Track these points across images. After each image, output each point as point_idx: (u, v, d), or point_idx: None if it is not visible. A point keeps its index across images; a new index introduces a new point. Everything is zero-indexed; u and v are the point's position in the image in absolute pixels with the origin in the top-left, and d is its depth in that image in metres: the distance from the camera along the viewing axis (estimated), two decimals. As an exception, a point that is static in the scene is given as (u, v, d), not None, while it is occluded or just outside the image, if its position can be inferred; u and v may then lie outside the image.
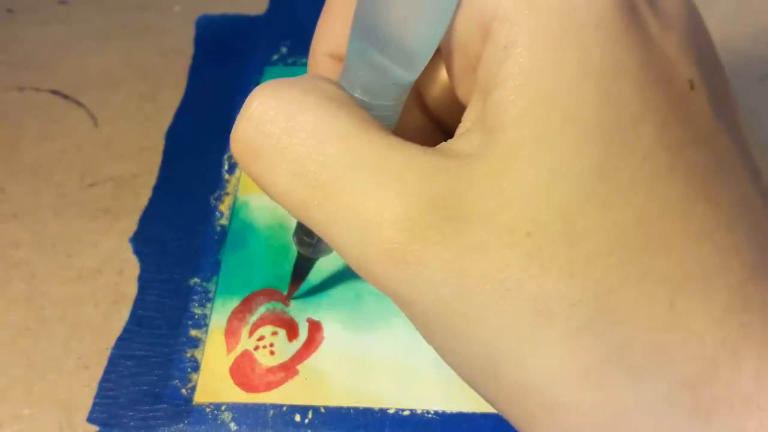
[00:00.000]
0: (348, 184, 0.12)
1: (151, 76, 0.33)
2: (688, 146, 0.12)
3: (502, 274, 0.12)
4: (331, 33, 0.17)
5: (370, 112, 0.14)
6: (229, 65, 0.33)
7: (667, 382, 0.11)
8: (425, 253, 0.12)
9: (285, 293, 0.25)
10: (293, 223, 0.27)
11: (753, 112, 0.31)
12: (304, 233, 0.21)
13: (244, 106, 0.14)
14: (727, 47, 0.33)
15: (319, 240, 0.21)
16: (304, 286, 0.26)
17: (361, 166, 0.13)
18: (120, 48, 0.34)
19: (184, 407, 0.23)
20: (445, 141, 0.13)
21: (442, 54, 0.15)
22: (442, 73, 0.17)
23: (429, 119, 0.18)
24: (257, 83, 0.32)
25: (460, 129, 0.14)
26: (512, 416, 0.13)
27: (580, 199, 0.12)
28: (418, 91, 0.18)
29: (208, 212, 0.28)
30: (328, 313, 0.25)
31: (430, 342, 0.13)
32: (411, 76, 0.14)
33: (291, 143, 0.13)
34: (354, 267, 0.13)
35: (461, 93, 0.15)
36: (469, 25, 0.13)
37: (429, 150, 0.13)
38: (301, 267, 0.24)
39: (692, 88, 0.13)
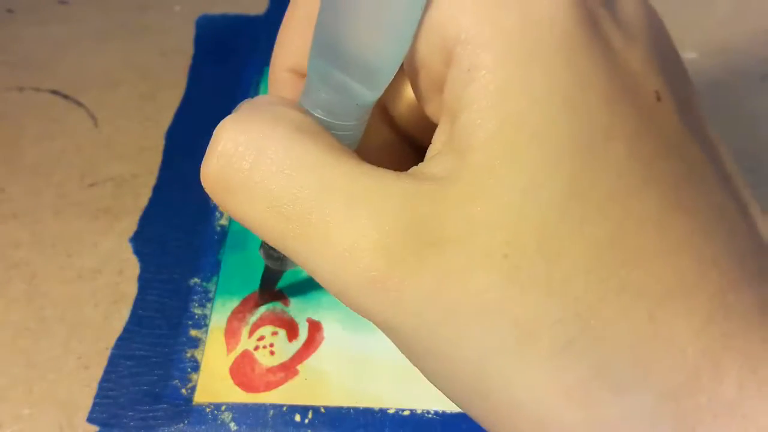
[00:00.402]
0: (323, 215, 0.12)
1: (151, 76, 0.33)
2: (660, 158, 0.12)
3: (483, 298, 0.12)
4: (292, 47, 0.16)
5: (331, 131, 0.14)
6: (229, 65, 0.33)
7: (651, 395, 0.11)
8: (405, 280, 0.12)
9: (258, 296, 0.25)
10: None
11: (753, 112, 0.31)
12: (270, 248, 0.21)
13: (211, 141, 0.14)
14: (727, 47, 0.33)
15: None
16: (305, 286, 0.26)
17: (334, 195, 0.12)
18: (120, 48, 0.34)
19: (184, 407, 0.23)
20: (413, 155, 0.13)
21: (406, 72, 0.14)
22: (408, 89, 0.17)
23: (396, 134, 0.18)
24: (257, 83, 0.32)
25: (431, 151, 0.14)
26: None
27: (555, 218, 0.12)
28: (383, 107, 0.18)
29: (208, 212, 0.28)
30: (328, 313, 0.25)
31: (416, 365, 0.13)
32: (374, 95, 0.14)
33: (262, 177, 0.13)
34: (335, 295, 0.13)
35: (429, 110, 0.15)
36: (431, 49, 0.13)
37: (401, 175, 0.13)
38: (269, 279, 0.24)
39: (659, 99, 0.13)
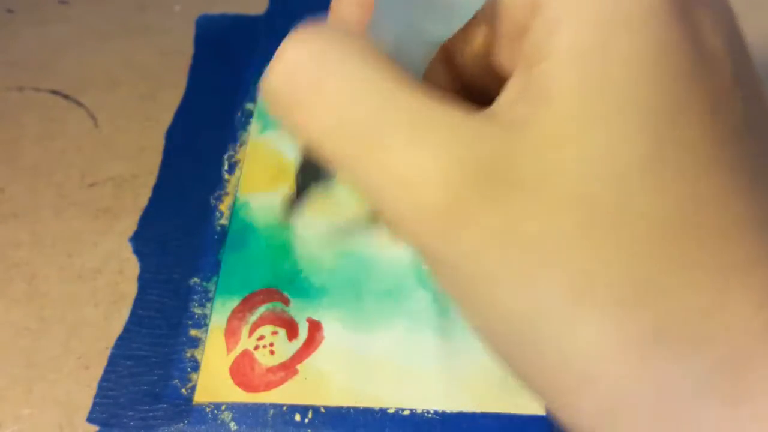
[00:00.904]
0: (391, 139, 0.12)
1: (151, 76, 0.33)
2: (730, 141, 0.12)
3: (550, 244, 0.12)
4: None
5: None
6: (229, 65, 0.33)
7: (709, 361, 0.11)
8: (469, 217, 0.12)
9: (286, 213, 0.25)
10: (293, 224, 0.27)
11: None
12: (302, 161, 0.21)
13: (277, 55, 0.14)
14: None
15: (312, 169, 0.21)
16: (305, 286, 0.26)
17: (405, 120, 0.12)
18: (120, 48, 0.34)
19: (184, 407, 0.23)
20: (469, 107, 0.13)
21: (485, 18, 0.14)
22: (477, 37, 0.17)
23: (454, 82, 0.18)
24: (257, 83, 0.32)
25: (503, 97, 0.14)
26: (548, 390, 0.13)
27: (632, 178, 0.12)
28: (447, 53, 0.18)
29: (208, 212, 0.28)
30: (328, 313, 0.25)
31: (464, 308, 0.13)
32: (445, 33, 0.14)
33: (330, 93, 0.13)
34: (392, 225, 0.13)
35: (501, 59, 0.14)
36: None
37: (473, 112, 0.13)
38: (296, 195, 0.23)
39: (734, 85, 0.13)
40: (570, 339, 0.12)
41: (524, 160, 0.12)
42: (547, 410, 0.23)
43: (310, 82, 0.13)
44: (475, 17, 0.14)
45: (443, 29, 0.14)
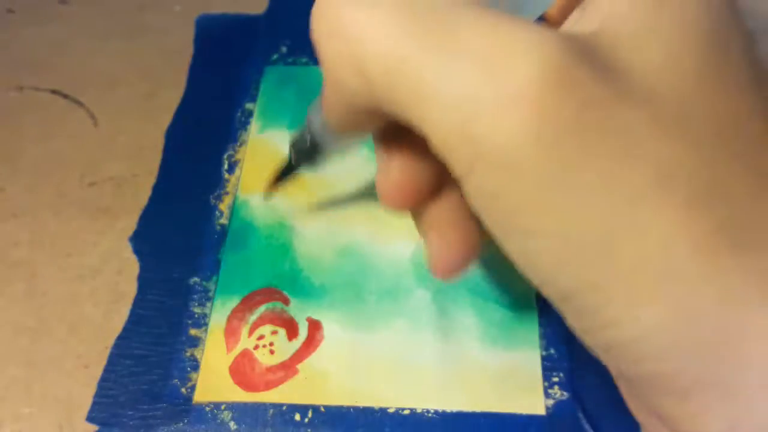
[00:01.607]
0: (473, 23, 0.12)
1: (151, 76, 0.33)
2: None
3: (630, 134, 0.12)
4: None
5: None
6: (228, 65, 0.33)
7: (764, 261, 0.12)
8: (563, 102, 0.11)
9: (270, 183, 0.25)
10: (293, 223, 0.27)
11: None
12: (304, 138, 0.20)
13: None
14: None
15: (310, 145, 0.20)
16: (305, 286, 0.26)
17: (488, 12, 0.12)
18: (120, 48, 0.34)
19: (184, 406, 0.23)
20: None
21: None
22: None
23: None
24: (257, 83, 0.32)
25: (569, 20, 0.14)
26: (606, 300, 0.12)
27: (691, 85, 0.12)
28: None
29: (208, 211, 0.28)
30: (328, 313, 0.25)
31: (515, 222, 0.13)
32: None
33: None
34: (446, 124, 0.12)
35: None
36: None
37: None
38: (285, 172, 0.24)
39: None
40: (649, 239, 0.12)
41: (603, 55, 0.12)
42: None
43: None
44: None
45: None
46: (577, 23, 0.14)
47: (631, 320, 0.12)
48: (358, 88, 0.14)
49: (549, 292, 0.14)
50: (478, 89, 0.12)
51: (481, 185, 0.13)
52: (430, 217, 0.17)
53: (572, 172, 0.12)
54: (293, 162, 0.22)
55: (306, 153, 0.20)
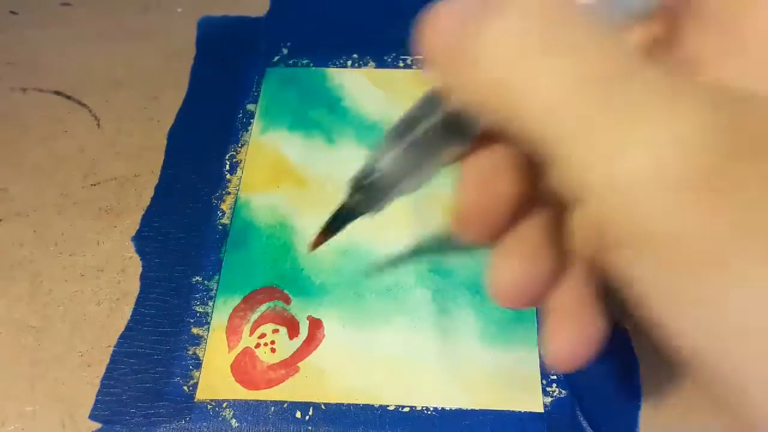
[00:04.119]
0: (640, 102, 0.11)
1: (154, 77, 0.33)
2: None
3: None
4: None
5: None
6: (230, 66, 0.33)
7: None
8: (731, 186, 0.11)
9: (311, 243, 0.21)
10: (294, 223, 0.27)
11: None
12: (364, 177, 0.18)
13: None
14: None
15: (376, 185, 0.18)
16: (306, 285, 0.26)
17: (653, 83, 0.11)
18: (122, 49, 0.34)
19: (186, 404, 0.23)
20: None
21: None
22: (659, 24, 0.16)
23: None
24: (258, 84, 0.32)
25: (702, 58, 0.14)
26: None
27: None
28: None
29: (210, 211, 0.28)
30: (329, 311, 0.25)
31: (668, 290, 0.12)
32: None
33: (573, 47, 0.12)
34: (598, 196, 0.11)
35: (684, 36, 0.14)
36: None
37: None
38: (342, 218, 0.20)
39: None
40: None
41: (761, 126, 0.11)
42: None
43: (555, 28, 0.12)
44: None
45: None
46: (723, 65, 0.13)
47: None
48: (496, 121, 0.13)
49: (689, 365, 0.13)
50: (645, 173, 0.11)
51: (629, 255, 0.12)
52: (550, 305, 0.16)
53: (748, 247, 0.11)
54: (354, 205, 0.19)
55: (372, 194, 0.18)
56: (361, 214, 0.19)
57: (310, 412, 0.23)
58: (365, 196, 0.19)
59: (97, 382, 0.24)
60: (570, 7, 0.12)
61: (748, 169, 0.11)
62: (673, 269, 0.11)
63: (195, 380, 0.24)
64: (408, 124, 0.17)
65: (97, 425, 0.23)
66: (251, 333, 0.25)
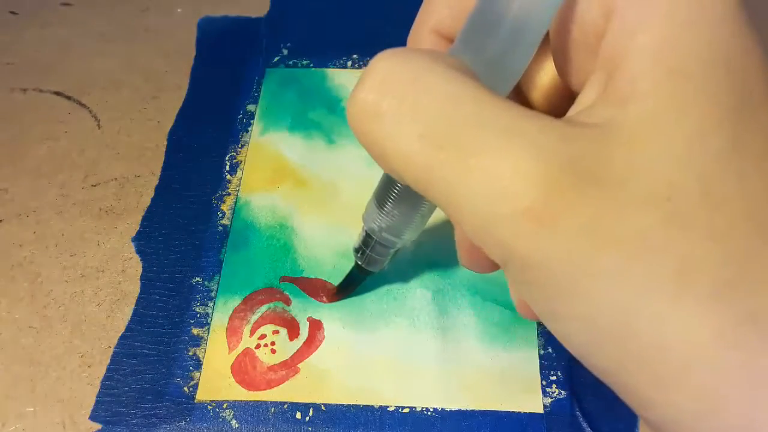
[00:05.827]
0: (479, 144, 0.12)
1: (154, 78, 0.33)
2: None
3: (643, 236, 0.12)
4: (438, 9, 0.17)
5: None
6: (230, 67, 0.33)
7: None
8: (561, 213, 0.12)
9: (335, 292, 0.26)
10: (294, 223, 0.27)
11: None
12: (368, 247, 0.22)
13: (367, 69, 0.14)
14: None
15: (372, 250, 0.22)
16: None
17: (494, 126, 0.13)
18: (123, 50, 0.34)
19: (186, 405, 0.23)
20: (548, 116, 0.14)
21: (553, 31, 0.15)
22: (549, 62, 0.17)
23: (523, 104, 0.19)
24: (258, 85, 0.32)
25: (581, 104, 0.14)
26: (639, 382, 0.13)
27: (718, 167, 0.12)
28: (518, 91, 0.18)
29: (210, 212, 0.28)
30: (329, 313, 0.25)
31: (550, 308, 0.13)
32: (525, 63, 0.15)
33: (419, 104, 0.13)
34: (476, 228, 0.13)
35: (571, 70, 0.15)
36: (590, 5, 0.14)
37: (556, 119, 0.13)
38: (355, 279, 0.24)
39: None
40: (668, 327, 0.12)
41: (611, 158, 0.12)
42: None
43: (402, 94, 0.13)
44: (544, 42, 0.15)
45: (526, 58, 0.15)
46: (594, 107, 0.13)
47: (664, 404, 0.12)
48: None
49: (589, 369, 0.14)
50: (487, 206, 0.12)
51: (515, 277, 0.14)
52: None
53: (588, 276, 0.12)
54: (362, 270, 0.23)
55: (375, 258, 0.22)
56: (370, 273, 0.24)
57: (311, 413, 0.23)
58: (369, 260, 0.22)
59: (98, 382, 0.24)
60: (434, 71, 0.13)
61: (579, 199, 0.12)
62: (538, 289, 0.13)
63: (195, 381, 0.24)
64: (390, 181, 0.19)
65: (98, 426, 0.23)
66: (251, 334, 0.25)
